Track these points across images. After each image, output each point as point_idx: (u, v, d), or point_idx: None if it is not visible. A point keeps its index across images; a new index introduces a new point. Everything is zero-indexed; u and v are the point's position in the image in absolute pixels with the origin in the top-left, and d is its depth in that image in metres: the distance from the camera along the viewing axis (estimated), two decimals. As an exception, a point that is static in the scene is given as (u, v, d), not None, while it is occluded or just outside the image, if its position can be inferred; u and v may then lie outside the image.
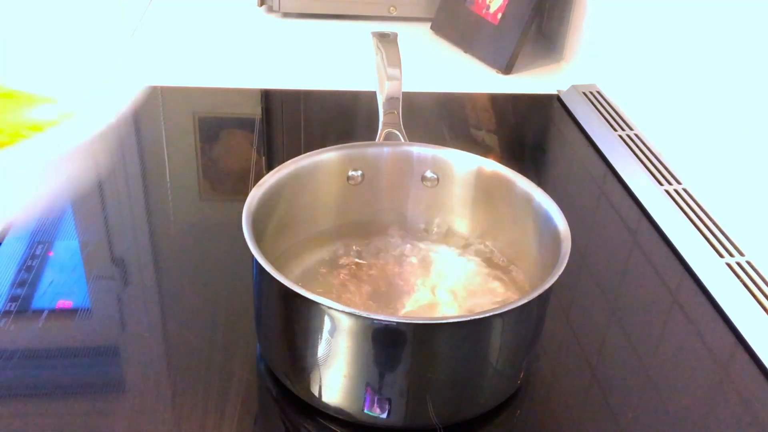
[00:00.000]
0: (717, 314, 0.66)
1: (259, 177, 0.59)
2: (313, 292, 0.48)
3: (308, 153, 0.62)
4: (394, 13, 1.32)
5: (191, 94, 1.03)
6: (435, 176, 0.64)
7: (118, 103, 0.44)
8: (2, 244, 0.69)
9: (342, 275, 0.62)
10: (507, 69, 1.14)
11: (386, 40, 0.74)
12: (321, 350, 0.50)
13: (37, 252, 0.69)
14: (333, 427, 0.53)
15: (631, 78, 0.99)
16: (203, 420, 0.53)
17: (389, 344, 0.49)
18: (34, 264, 0.67)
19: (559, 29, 1.23)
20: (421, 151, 0.64)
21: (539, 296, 0.49)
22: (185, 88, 1.03)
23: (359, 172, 0.64)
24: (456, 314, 0.58)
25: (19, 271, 0.66)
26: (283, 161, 0.61)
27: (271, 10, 1.34)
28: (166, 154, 0.87)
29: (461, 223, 0.66)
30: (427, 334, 0.49)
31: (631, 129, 0.95)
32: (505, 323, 0.50)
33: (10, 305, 0.62)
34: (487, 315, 0.48)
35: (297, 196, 0.62)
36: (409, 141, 0.66)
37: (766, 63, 0.71)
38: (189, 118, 0.98)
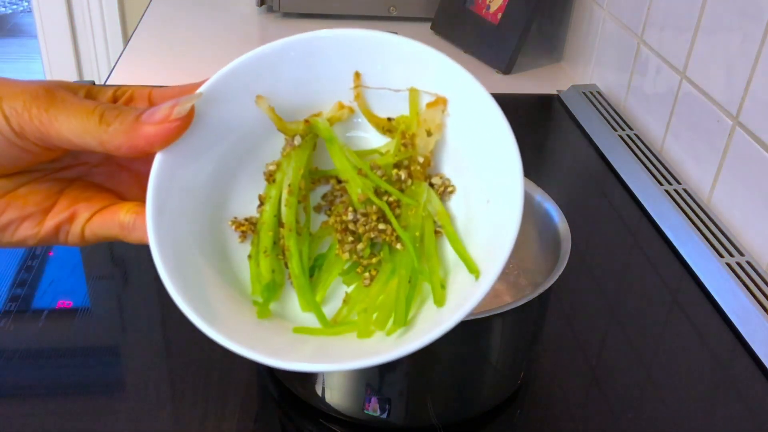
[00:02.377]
0: (717, 314, 0.66)
1: (259, 177, 0.59)
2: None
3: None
4: (394, 13, 1.32)
5: (191, 94, 1.03)
6: (435, 176, 0.64)
7: None
8: (2, 244, 0.70)
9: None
10: (507, 69, 1.14)
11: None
12: (321, 350, 0.50)
13: (37, 252, 0.69)
14: (333, 427, 0.53)
15: (631, 78, 0.99)
16: (203, 420, 0.53)
17: (389, 344, 0.49)
18: (34, 264, 0.67)
19: (559, 29, 1.23)
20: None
21: (539, 296, 0.49)
22: (185, 88, 1.03)
23: (359, 172, 0.64)
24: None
25: (19, 271, 0.66)
26: (283, 161, 0.61)
27: (271, 10, 1.34)
28: (166, 154, 0.87)
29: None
30: (427, 334, 0.49)
31: (631, 129, 0.95)
32: (505, 323, 0.50)
33: (10, 305, 0.62)
34: (487, 315, 0.48)
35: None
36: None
37: (763, 60, 0.71)
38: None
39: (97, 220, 0.35)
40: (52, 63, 1.80)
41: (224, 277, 0.36)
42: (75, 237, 0.36)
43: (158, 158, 0.33)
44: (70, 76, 1.79)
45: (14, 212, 0.35)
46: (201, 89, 0.34)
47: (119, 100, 0.36)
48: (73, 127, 0.32)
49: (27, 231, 0.35)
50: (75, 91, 0.34)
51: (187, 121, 0.33)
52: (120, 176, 0.37)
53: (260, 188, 0.37)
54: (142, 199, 0.34)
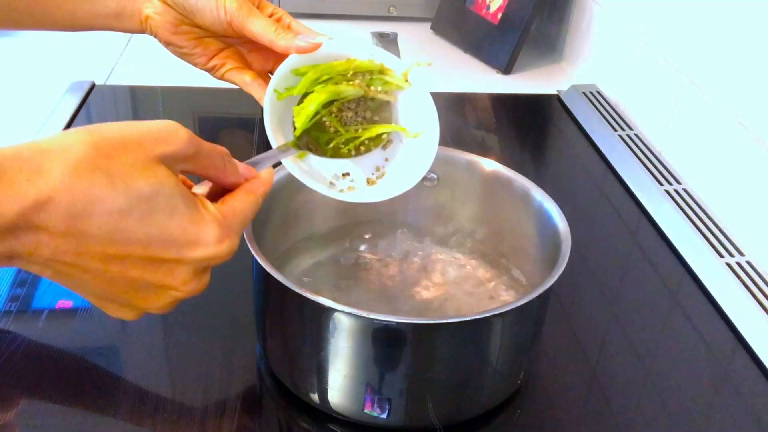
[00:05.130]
0: (717, 314, 0.66)
1: (259, 177, 0.59)
2: (313, 292, 0.48)
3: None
4: (394, 13, 1.32)
5: (191, 94, 1.03)
6: (435, 176, 0.64)
7: None
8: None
9: (342, 275, 0.62)
10: (507, 69, 1.14)
11: (386, 40, 0.74)
12: (321, 350, 0.50)
13: (37, 252, 0.68)
14: (333, 427, 0.53)
15: (631, 78, 0.99)
16: (203, 420, 0.53)
17: (389, 344, 0.49)
18: (34, 264, 0.67)
19: (559, 29, 1.23)
20: (421, 151, 0.64)
21: (539, 296, 0.49)
22: (185, 88, 1.02)
23: (359, 172, 0.64)
24: (456, 314, 0.58)
25: (19, 270, 0.66)
26: (283, 161, 0.61)
27: (271, 10, 1.34)
28: (166, 154, 0.87)
29: (461, 223, 0.66)
30: (427, 334, 0.49)
31: (631, 129, 0.95)
32: (505, 323, 0.50)
33: (10, 305, 0.62)
34: (487, 315, 0.48)
35: (297, 196, 0.62)
36: (409, 141, 0.66)
37: (763, 59, 0.71)
38: (189, 118, 0.98)
39: (234, 70, 0.64)
40: (52, 63, 1.80)
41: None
42: (219, 75, 0.65)
43: (287, 59, 0.54)
44: (69, 75, 1.79)
45: (205, 50, 0.64)
46: (323, 40, 0.55)
47: (272, 17, 0.61)
48: (259, 29, 0.58)
49: (201, 61, 0.65)
50: (254, 2, 0.61)
51: (316, 46, 0.55)
52: (254, 55, 0.65)
53: None
54: (260, 72, 0.64)
